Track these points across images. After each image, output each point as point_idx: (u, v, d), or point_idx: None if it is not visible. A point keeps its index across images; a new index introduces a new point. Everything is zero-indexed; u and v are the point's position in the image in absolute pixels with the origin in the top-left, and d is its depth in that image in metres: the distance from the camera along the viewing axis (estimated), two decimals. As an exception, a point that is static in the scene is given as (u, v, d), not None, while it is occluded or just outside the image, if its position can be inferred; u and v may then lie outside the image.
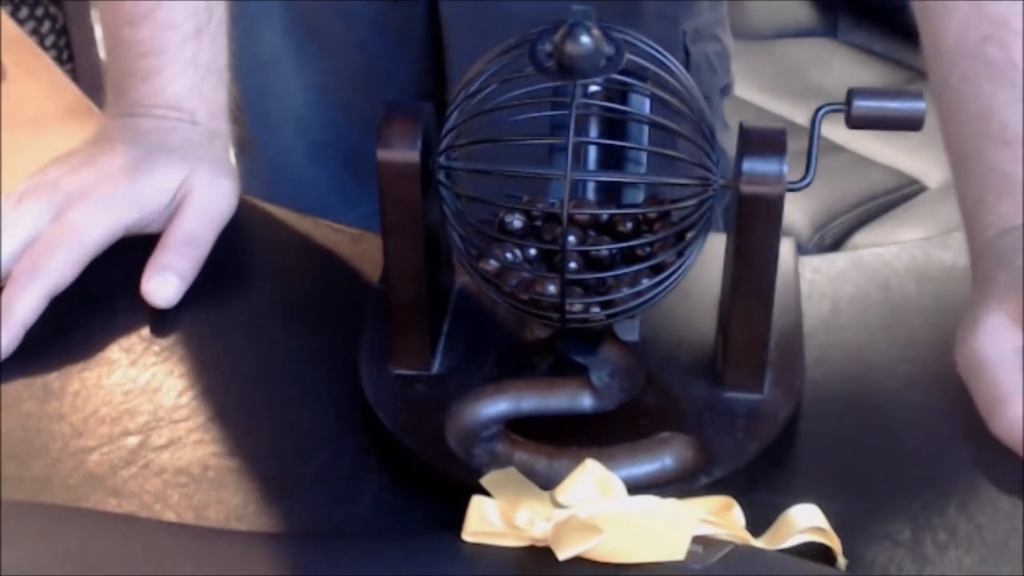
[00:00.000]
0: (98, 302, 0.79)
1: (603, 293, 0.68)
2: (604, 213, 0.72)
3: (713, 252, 0.71)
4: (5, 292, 0.76)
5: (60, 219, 0.79)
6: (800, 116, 1.92)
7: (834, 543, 0.63)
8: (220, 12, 0.89)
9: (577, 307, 0.67)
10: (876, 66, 2.10)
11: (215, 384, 0.75)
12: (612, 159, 0.74)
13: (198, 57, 0.87)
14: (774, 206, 0.65)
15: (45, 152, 0.85)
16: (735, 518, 0.63)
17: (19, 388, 0.74)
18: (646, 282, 0.68)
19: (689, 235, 0.68)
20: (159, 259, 0.80)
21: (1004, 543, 0.65)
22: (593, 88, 0.70)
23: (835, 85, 2.00)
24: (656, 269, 0.68)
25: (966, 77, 0.75)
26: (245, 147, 1.06)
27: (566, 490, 0.63)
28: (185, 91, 0.86)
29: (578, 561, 0.61)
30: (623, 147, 0.72)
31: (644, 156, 0.73)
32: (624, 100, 0.72)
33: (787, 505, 0.64)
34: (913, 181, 1.90)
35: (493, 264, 0.69)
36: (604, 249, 0.69)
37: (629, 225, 0.72)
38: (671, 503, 0.63)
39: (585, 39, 0.63)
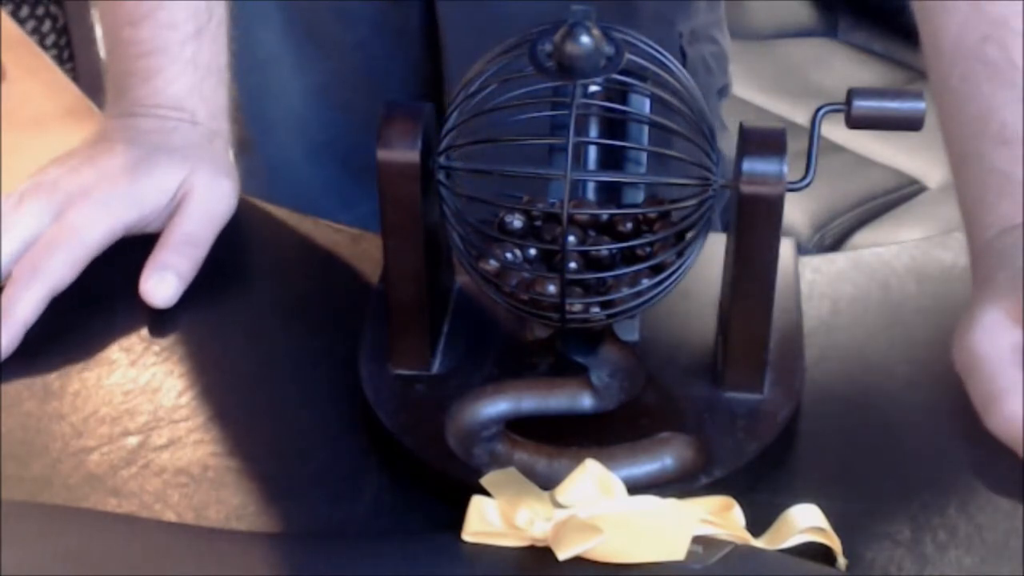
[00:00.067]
0: (98, 302, 0.79)
1: (603, 293, 0.68)
2: (604, 213, 0.72)
3: (713, 252, 0.71)
4: (5, 292, 0.76)
5: (60, 219, 0.79)
6: (800, 116, 1.92)
7: (834, 543, 0.63)
8: (220, 12, 0.89)
9: (577, 307, 0.67)
10: (876, 66, 2.10)
11: (215, 384, 0.75)
12: (612, 159, 0.74)
13: (198, 57, 0.87)
14: (774, 206, 0.65)
15: (45, 152, 0.85)
16: (735, 518, 0.63)
17: (19, 388, 0.74)
18: (646, 282, 0.68)
19: (689, 235, 0.68)
20: (158, 258, 0.80)
21: (1004, 543, 0.65)
22: (593, 88, 0.70)
23: (835, 85, 2.00)
24: (656, 269, 0.68)
25: (966, 77, 0.75)
26: (244, 148, 1.06)
27: (566, 490, 0.63)
28: (185, 91, 0.86)
29: (578, 561, 0.61)
30: (623, 147, 0.72)
31: (644, 156, 0.73)
32: (624, 100, 0.72)
33: (787, 505, 0.64)
34: (913, 181, 1.90)
35: (493, 264, 0.69)
36: (604, 249, 0.69)
37: (629, 225, 0.72)
38: (671, 503, 0.63)
39: (585, 39, 0.63)
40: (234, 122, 0.90)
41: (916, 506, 0.66)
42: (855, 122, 0.68)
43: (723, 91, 1.16)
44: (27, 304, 0.76)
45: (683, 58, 1.07)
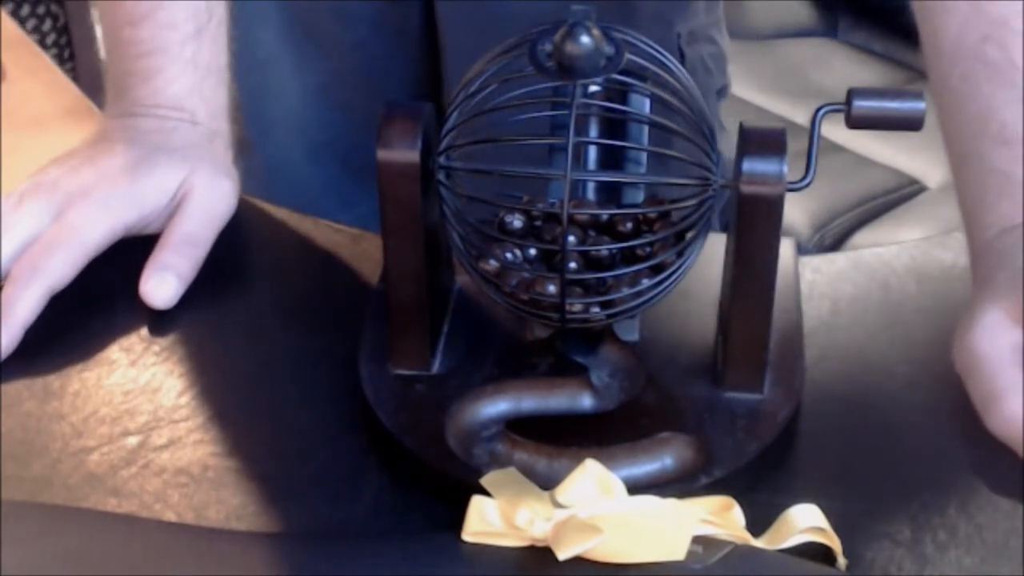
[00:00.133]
0: (98, 302, 0.79)
1: (603, 293, 0.68)
2: (604, 213, 0.72)
3: (713, 252, 0.71)
4: (5, 292, 0.76)
5: (60, 219, 0.79)
6: (800, 116, 1.92)
7: (834, 543, 0.63)
8: (220, 12, 0.89)
9: (577, 307, 0.67)
10: (876, 66, 2.10)
11: (215, 384, 0.75)
12: (612, 159, 0.74)
13: (198, 57, 0.87)
14: (774, 206, 0.65)
15: (45, 152, 0.85)
16: (735, 518, 0.63)
17: (19, 388, 0.74)
18: (646, 282, 0.68)
19: (689, 235, 0.68)
20: (158, 259, 0.80)
21: (1004, 543, 0.65)
22: (593, 88, 0.70)
23: (835, 85, 2.00)
24: (656, 269, 0.68)
25: (966, 77, 0.75)
26: (243, 148, 1.06)
27: (566, 490, 0.63)
28: (185, 91, 0.86)
29: (578, 561, 0.61)
30: (623, 147, 0.72)
31: (644, 156, 0.73)
32: (624, 100, 0.72)
33: (787, 505, 0.64)
34: (913, 181, 1.90)
35: (493, 264, 0.69)
36: (604, 249, 0.69)
37: (629, 225, 0.72)
38: (671, 503, 0.63)
39: (585, 39, 0.63)
40: (234, 122, 0.90)
41: (916, 506, 0.66)
42: (855, 122, 0.68)
43: (722, 91, 1.16)
44: (26, 304, 0.76)
45: (682, 58, 1.07)
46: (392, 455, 0.68)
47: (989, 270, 0.73)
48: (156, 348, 0.77)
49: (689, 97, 0.67)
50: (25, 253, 0.78)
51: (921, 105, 0.67)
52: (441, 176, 0.67)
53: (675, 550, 0.61)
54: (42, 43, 1.93)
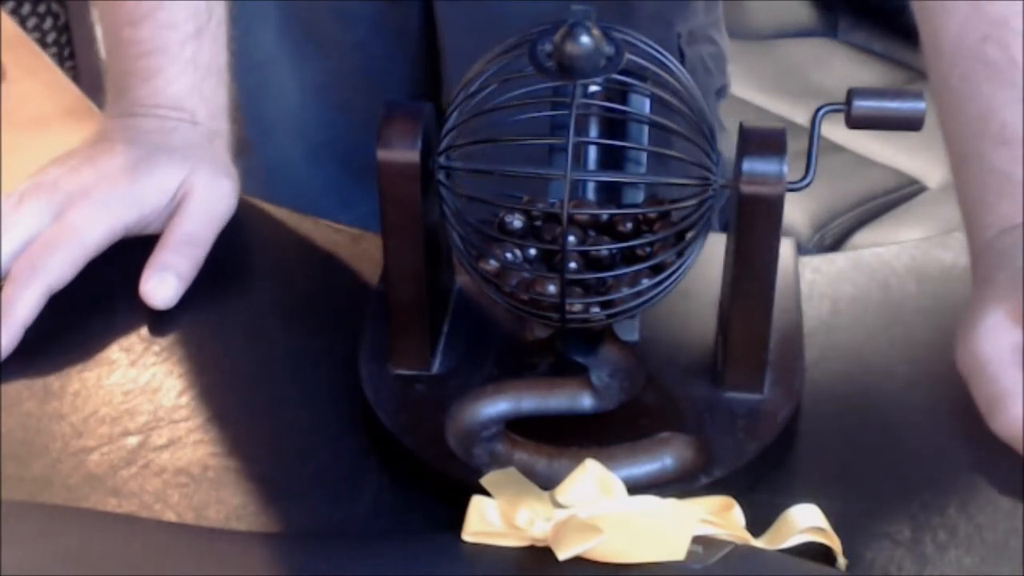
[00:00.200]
0: (98, 302, 0.79)
1: (603, 293, 0.68)
2: (604, 213, 0.72)
3: (713, 252, 0.71)
4: (4, 291, 0.76)
5: (60, 219, 0.79)
6: (800, 116, 1.92)
7: (834, 543, 0.63)
8: (220, 12, 0.89)
9: (577, 307, 0.67)
10: (876, 66, 2.10)
11: (215, 384, 0.75)
12: (612, 159, 0.74)
13: (198, 57, 0.87)
14: (774, 206, 0.65)
15: (45, 152, 0.85)
16: (735, 518, 0.63)
17: (19, 388, 0.74)
18: (646, 282, 0.68)
19: (689, 235, 0.68)
20: (158, 259, 0.80)
21: (1004, 543, 0.65)
22: (593, 88, 0.70)
23: (835, 85, 2.00)
24: (656, 269, 0.68)
25: (966, 77, 0.75)
26: (242, 148, 1.06)
27: (566, 490, 0.63)
28: (185, 91, 0.86)
29: (578, 561, 0.61)
30: (623, 147, 0.72)
31: (644, 156, 0.73)
32: (624, 100, 0.72)
33: (787, 505, 0.64)
34: (913, 181, 1.90)
35: (493, 264, 0.69)
36: (604, 249, 0.69)
37: (629, 225, 0.72)
38: (671, 503, 0.63)
39: (585, 39, 0.63)
40: (233, 122, 0.90)
41: (916, 506, 0.66)
42: (855, 122, 0.68)
43: (721, 91, 1.16)
44: (26, 303, 0.76)
45: (681, 58, 1.07)
46: (392, 455, 0.68)
47: (989, 270, 0.73)
48: (156, 348, 0.77)
49: (689, 97, 0.67)
50: (25, 253, 0.78)
51: (921, 105, 0.67)
52: (441, 176, 0.67)
53: (675, 550, 0.61)
54: (42, 42, 1.94)
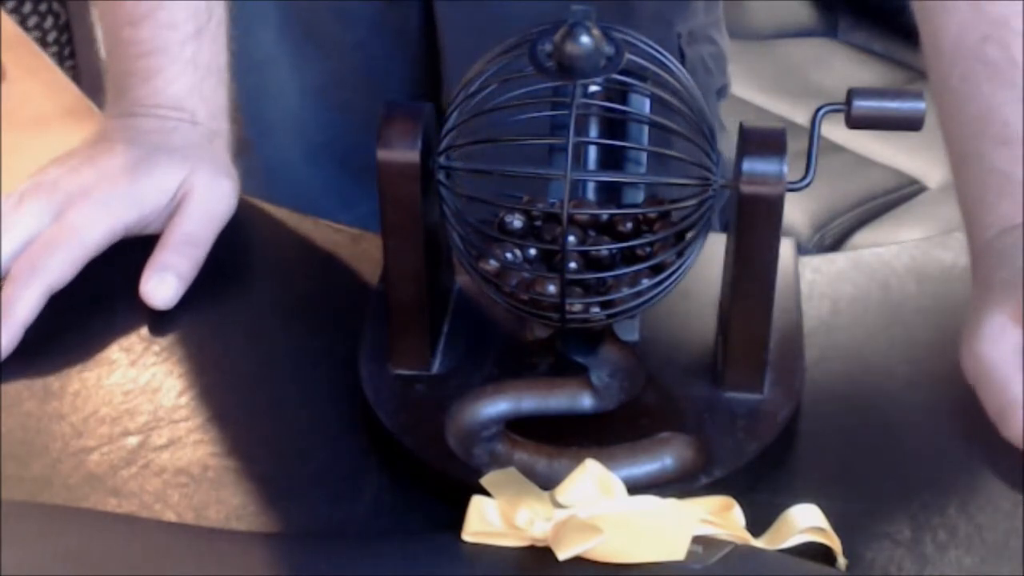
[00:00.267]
0: (98, 302, 0.79)
1: (603, 293, 0.68)
2: (604, 213, 0.72)
3: (713, 252, 0.71)
4: (4, 291, 0.76)
5: (60, 219, 0.79)
6: (800, 116, 1.92)
7: (834, 543, 0.63)
8: (220, 12, 0.89)
9: (577, 307, 0.67)
10: (876, 66, 2.10)
11: (215, 384, 0.75)
12: (612, 159, 0.74)
13: (198, 57, 0.87)
14: (774, 206, 0.65)
15: (45, 152, 0.85)
16: (735, 518, 0.63)
17: (19, 388, 0.74)
18: (646, 282, 0.68)
19: (689, 235, 0.68)
20: (158, 259, 0.80)
21: (1004, 543, 0.65)
22: (593, 88, 0.70)
23: (835, 85, 2.00)
24: (656, 269, 0.68)
25: (966, 77, 0.75)
26: (242, 148, 1.06)
27: (566, 490, 0.63)
28: (185, 91, 0.86)
29: (578, 561, 0.61)
30: (623, 147, 0.72)
31: (644, 156, 0.73)
32: (624, 100, 0.72)
33: (787, 505, 0.64)
34: (913, 181, 1.90)
35: (493, 264, 0.69)
36: (604, 249, 0.69)
37: (629, 225, 0.72)
38: (671, 503, 0.63)
39: (585, 39, 0.63)
40: (233, 123, 0.90)
41: (916, 506, 0.66)
42: (855, 122, 0.68)
43: (722, 91, 1.16)
44: (26, 303, 0.76)
45: (681, 58, 1.07)
46: (392, 455, 0.68)
47: (989, 270, 0.73)
48: (156, 348, 0.77)
49: (689, 97, 0.67)
50: (25, 253, 0.78)
51: (921, 105, 0.67)
52: (441, 176, 0.67)
53: (675, 550, 0.61)
54: (43, 41, 1.94)
